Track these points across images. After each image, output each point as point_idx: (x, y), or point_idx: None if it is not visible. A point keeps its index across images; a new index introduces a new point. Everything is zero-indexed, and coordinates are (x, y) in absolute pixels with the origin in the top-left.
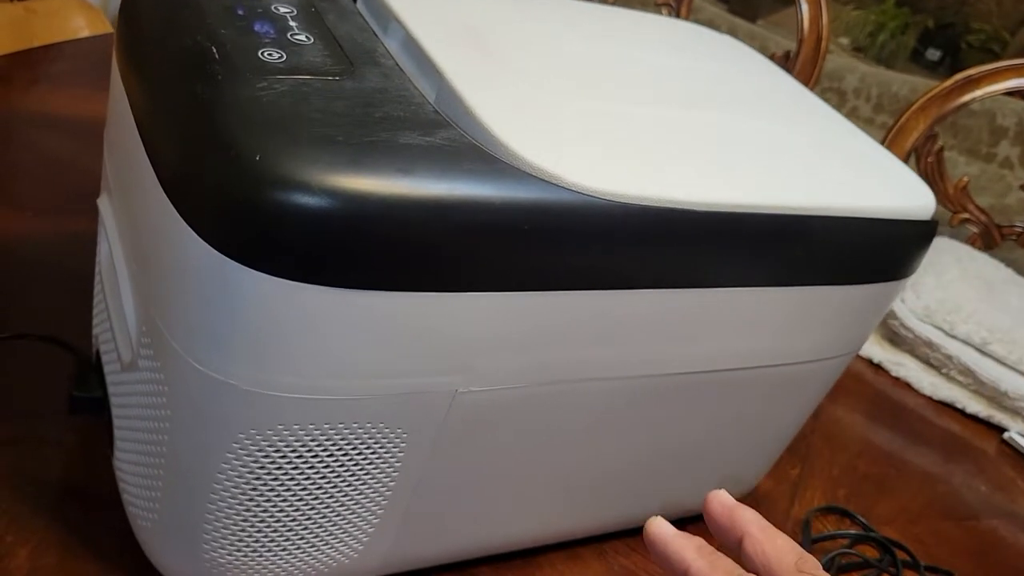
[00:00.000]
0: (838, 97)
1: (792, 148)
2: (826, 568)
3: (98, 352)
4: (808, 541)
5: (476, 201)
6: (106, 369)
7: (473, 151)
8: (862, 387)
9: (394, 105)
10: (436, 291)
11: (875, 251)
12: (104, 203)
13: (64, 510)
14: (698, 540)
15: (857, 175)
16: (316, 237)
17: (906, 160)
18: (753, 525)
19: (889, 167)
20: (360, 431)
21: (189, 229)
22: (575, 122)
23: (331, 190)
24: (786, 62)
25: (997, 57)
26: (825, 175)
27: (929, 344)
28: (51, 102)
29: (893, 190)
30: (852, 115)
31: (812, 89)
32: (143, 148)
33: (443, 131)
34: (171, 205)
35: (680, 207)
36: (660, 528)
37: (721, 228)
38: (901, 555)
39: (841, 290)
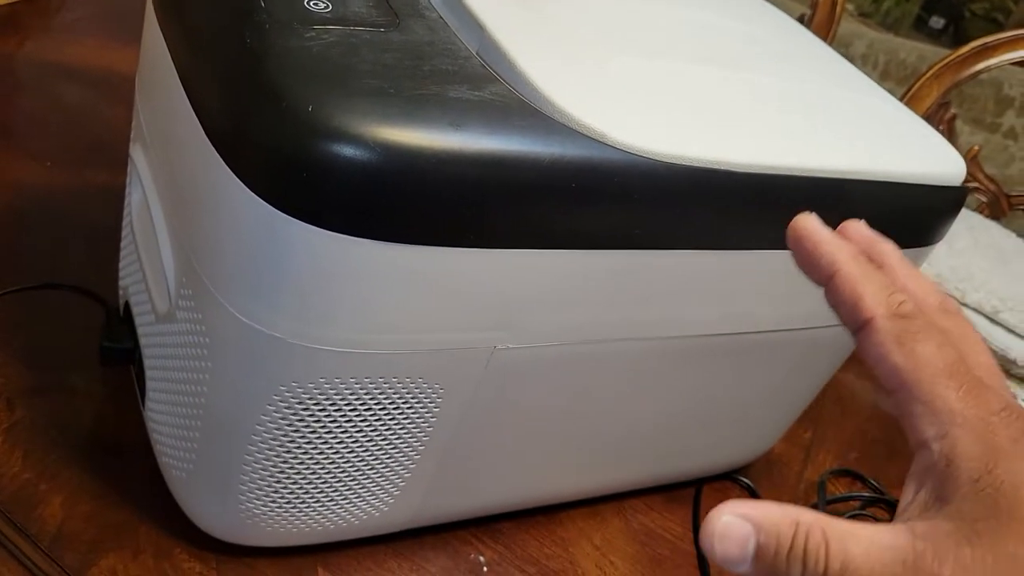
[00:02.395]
0: None
1: (829, 112)
2: None
3: (127, 303)
4: (823, 502)
5: (526, 158)
6: (138, 320)
7: (522, 107)
8: None
9: (442, 58)
10: (482, 247)
11: (907, 216)
12: (138, 152)
13: (96, 460)
14: (854, 247)
15: (892, 140)
16: (368, 191)
17: None
18: (894, 257)
19: (921, 133)
20: (399, 385)
21: (238, 180)
22: (618, 80)
23: (384, 143)
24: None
25: (1000, 27)
26: (861, 139)
27: None
28: (66, 52)
29: (926, 156)
30: None
31: None
32: (187, 98)
33: (492, 86)
34: (218, 156)
35: (724, 168)
36: (812, 222)
37: (762, 190)
38: None
39: None
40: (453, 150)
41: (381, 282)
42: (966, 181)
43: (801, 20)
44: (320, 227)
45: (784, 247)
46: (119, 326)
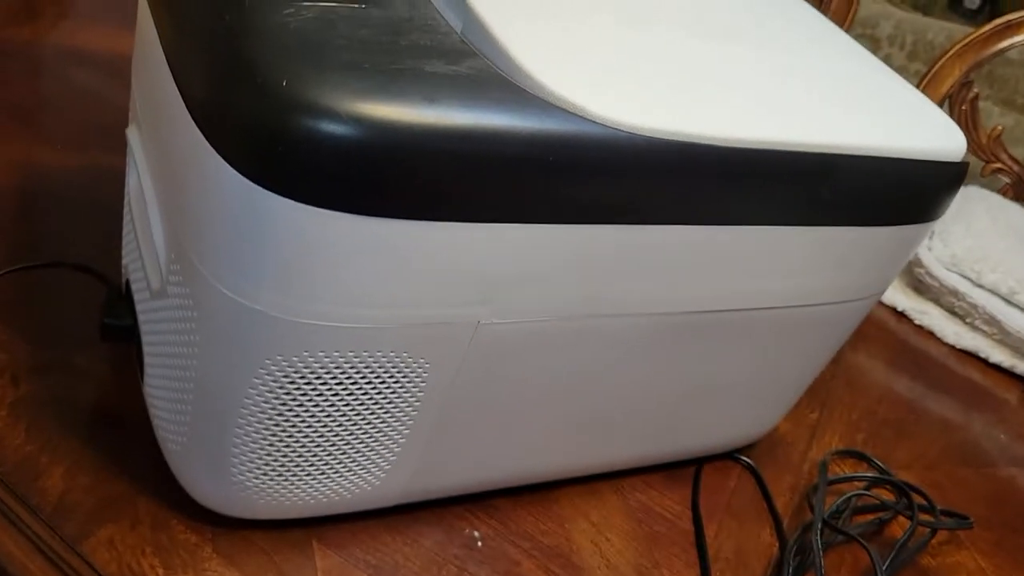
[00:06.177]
0: (872, 44)
1: (821, 85)
2: (841, 509)
3: (128, 281)
4: (824, 482)
5: (501, 132)
6: (136, 297)
7: (499, 81)
8: (885, 335)
9: (420, 34)
10: (460, 221)
11: (903, 192)
12: (132, 133)
13: (97, 434)
14: None
15: (887, 115)
16: (340, 164)
17: (939, 107)
18: None
19: (920, 107)
20: (383, 359)
21: (217, 156)
22: (604, 54)
23: (356, 117)
24: (819, 6)
25: None
26: (854, 114)
27: (955, 293)
28: (81, 38)
29: (923, 130)
30: (885, 63)
31: None
32: (171, 76)
33: (469, 60)
34: (200, 133)
35: (705, 142)
36: None
37: (746, 165)
38: (917, 499)
39: (867, 231)
40: (427, 124)
41: (360, 256)
42: (989, 161)
43: (820, 1)
44: (297, 201)
45: (772, 223)
46: (120, 303)
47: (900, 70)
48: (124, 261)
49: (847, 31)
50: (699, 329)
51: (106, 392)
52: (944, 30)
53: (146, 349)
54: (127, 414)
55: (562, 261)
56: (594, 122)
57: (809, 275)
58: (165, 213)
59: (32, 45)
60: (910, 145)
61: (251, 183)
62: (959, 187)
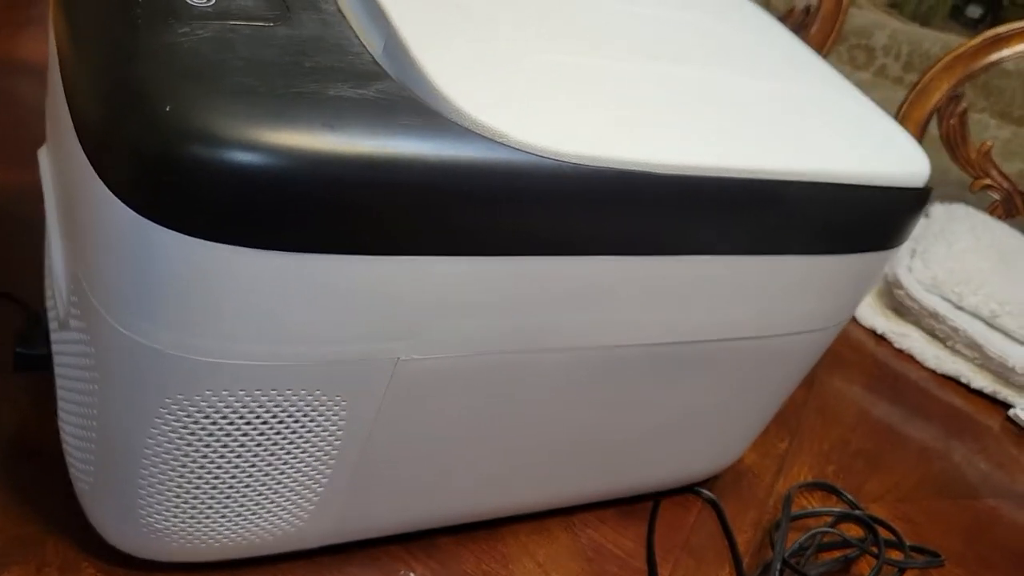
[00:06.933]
0: (866, 55)
1: (774, 107)
2: (806, 546)
3: (46, 308)
4: (787, 518)
5: (411, 159)
6: (50, 327)
7: (410, 105)
8: (863, 358)
9: (328, 55)
10: (370, 254)
11: (862, 220)
12: (43, 155)
13: (9, 469)
14: None
15: (845, 138)
16: (230, 195)
17: (927, 122)
18: None
19: (883, 130)
20: (295, 398)
21: (103, 185)
22: (533, 75)
23: (246, 145)
24: (805, 16)
25: None
26: (808, 137)
27: (935, 316)
28: (28, 48)
29: (883, 154)
30: (880, 74)
31: (836, 46)
32: (65, 99)
33: (379, 83)
34: (87, 159)
35: (638, 169)
36: None
37: (684, 192)
38: (886, 534)
39: (824, 260)
40: (325, 152)
41: (260, 292)
42: (978, 177)
43: (807, 11)
44: (187, 234)
45: (716, 252)
46: (36, 331)
47: (895, 81)
48: (45, 286)
49: (835, 43)
50: (646, 362)
51: (23, 425)
52: (940, 40)
53: (58, 382)
54: (44, 448)
55: (485, 295)
56: (516, 149)
57: (764, 306)
58: (64, 241)
59: None
60: (868, 170)
61: (139, 216)
62: (920, 213)
